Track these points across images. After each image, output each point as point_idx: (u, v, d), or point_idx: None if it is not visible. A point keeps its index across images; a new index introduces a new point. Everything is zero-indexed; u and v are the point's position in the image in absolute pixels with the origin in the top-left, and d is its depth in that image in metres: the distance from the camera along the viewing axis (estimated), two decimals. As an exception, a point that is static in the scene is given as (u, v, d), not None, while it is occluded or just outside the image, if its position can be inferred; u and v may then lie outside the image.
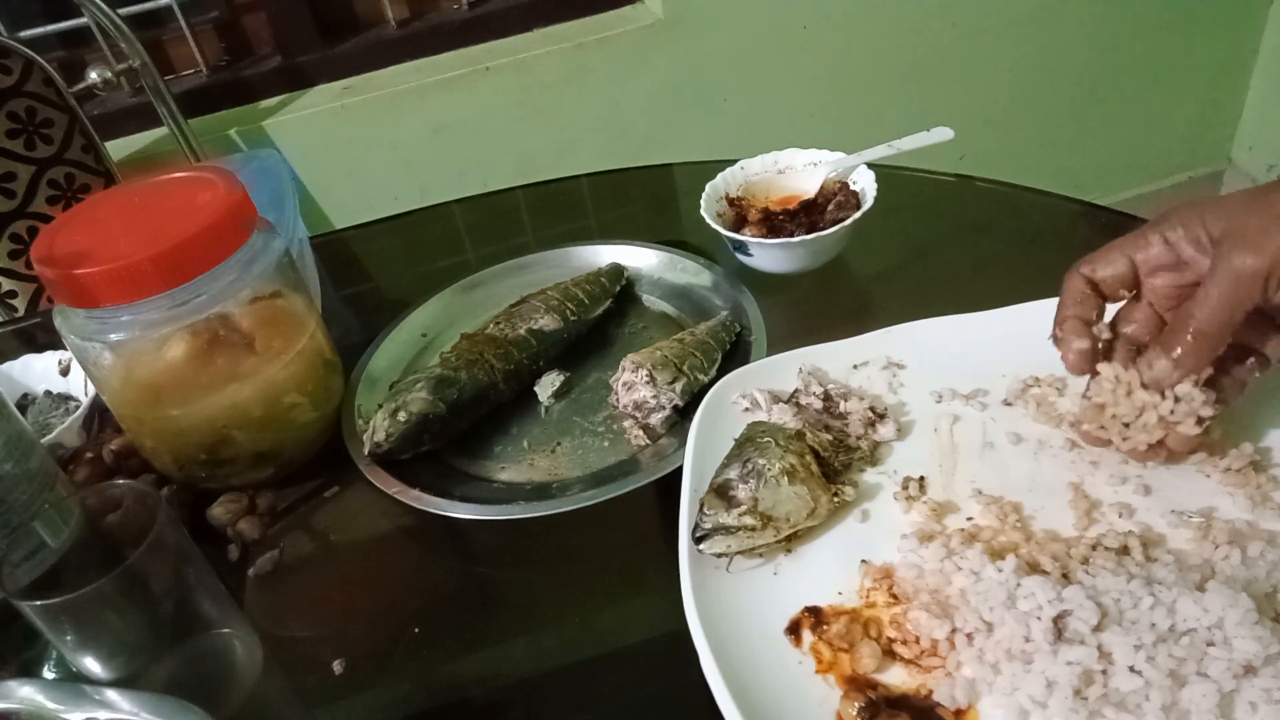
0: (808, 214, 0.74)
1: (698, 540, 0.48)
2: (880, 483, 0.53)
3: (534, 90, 1.55)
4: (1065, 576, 0.44)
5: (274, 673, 0.52)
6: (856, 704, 0.41)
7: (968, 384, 0.57)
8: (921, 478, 0.52)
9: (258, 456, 0.62)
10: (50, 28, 1.41)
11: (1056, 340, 0.51)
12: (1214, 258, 0.44)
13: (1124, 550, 0.45)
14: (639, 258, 0.78)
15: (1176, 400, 0.46)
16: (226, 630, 0.51)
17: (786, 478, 0.49)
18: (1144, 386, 0.47)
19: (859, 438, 0.55)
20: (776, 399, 0.58)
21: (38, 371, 0.74)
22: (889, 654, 0.43)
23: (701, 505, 0.49)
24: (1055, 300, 0.60)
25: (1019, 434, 0.54)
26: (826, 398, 0.57)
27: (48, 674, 0.53)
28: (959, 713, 0.40)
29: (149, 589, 0.46)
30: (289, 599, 0.58)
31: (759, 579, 0.48)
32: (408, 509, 0.58)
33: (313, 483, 0.64)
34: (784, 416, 0.55)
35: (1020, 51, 1.75)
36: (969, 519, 0.49)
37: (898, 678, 0.43)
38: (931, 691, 0.41)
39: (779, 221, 0.74)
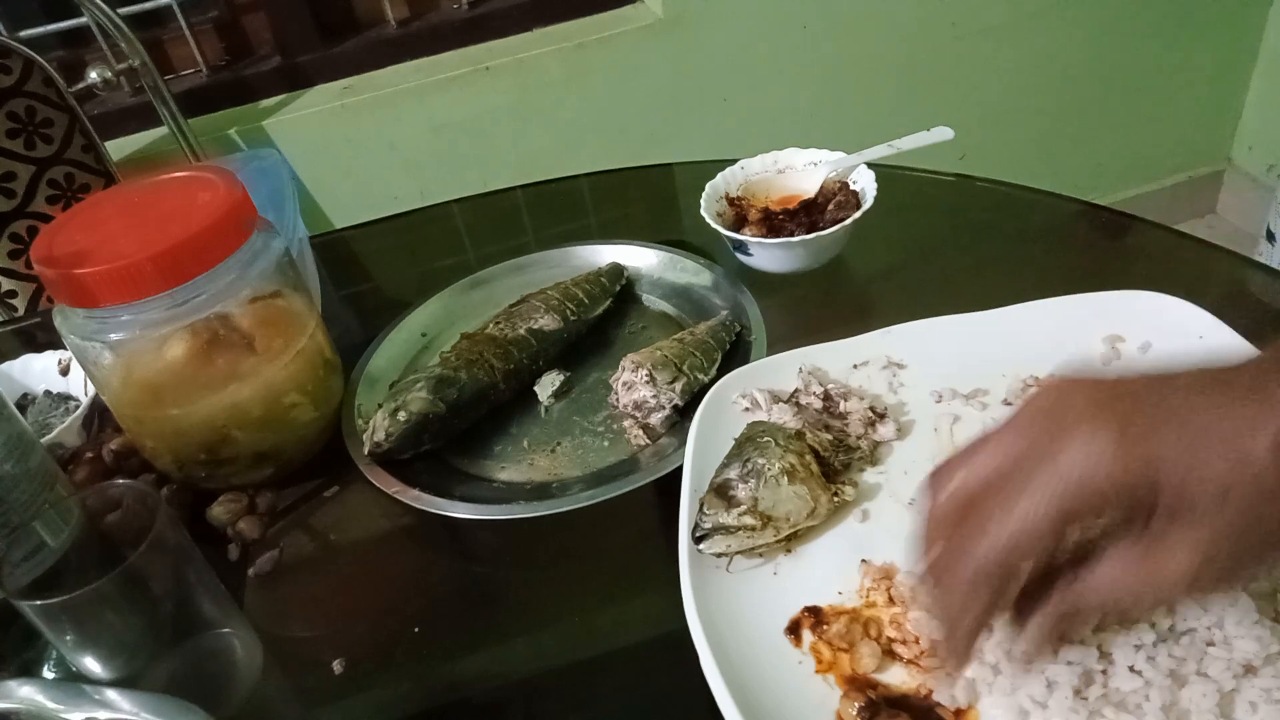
0: (808, 214, 0.74)
1: (698, 540, 0.48)
2: (880, 483, 0.53)
3: (534, 90, 1.55)
4: (1065, 576, 0.44)
5: (274, 673, 0.52)
6: (856, 704, 0.41)
7: (968, 384, 0.57)
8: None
9: (258, 456, 0.62)
10: (50, 28, 1.41)
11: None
12: None
13: (1124, 550, 0.45)
14: (639, 258, 0.78)
15: None
16: (226, 630, 0.51)
17: (786, 477, 0.49)
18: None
19: (859, 438, 0.55)
20: (776, 399, 0.58)
21: (38, 371, 0.74)
22: (889, 654, 0.43)
23: (701, 505, 0.49)
24: (1055, 300, 0.60)
25: (1019, 434, 0.54)
26: (826, 398, 0.57)
27: (48, 674, 0.53)
28: (959, 713, 0.40)
29: (149, 589, 0.46)
30: (289, 599, 0.58)
31: (759, 579, 0.48)
32: (408, 509, 0.58)
33: (313, 483, 0.64)
34: (784, 416, 0.55)
35: (1020, 51, 1.75)
36: (969, 519, 0.49)
37: (898, 678, 0.43)
38: (931, 691, 0.41)
39: (779, 221, 0.74)
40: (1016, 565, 0.31)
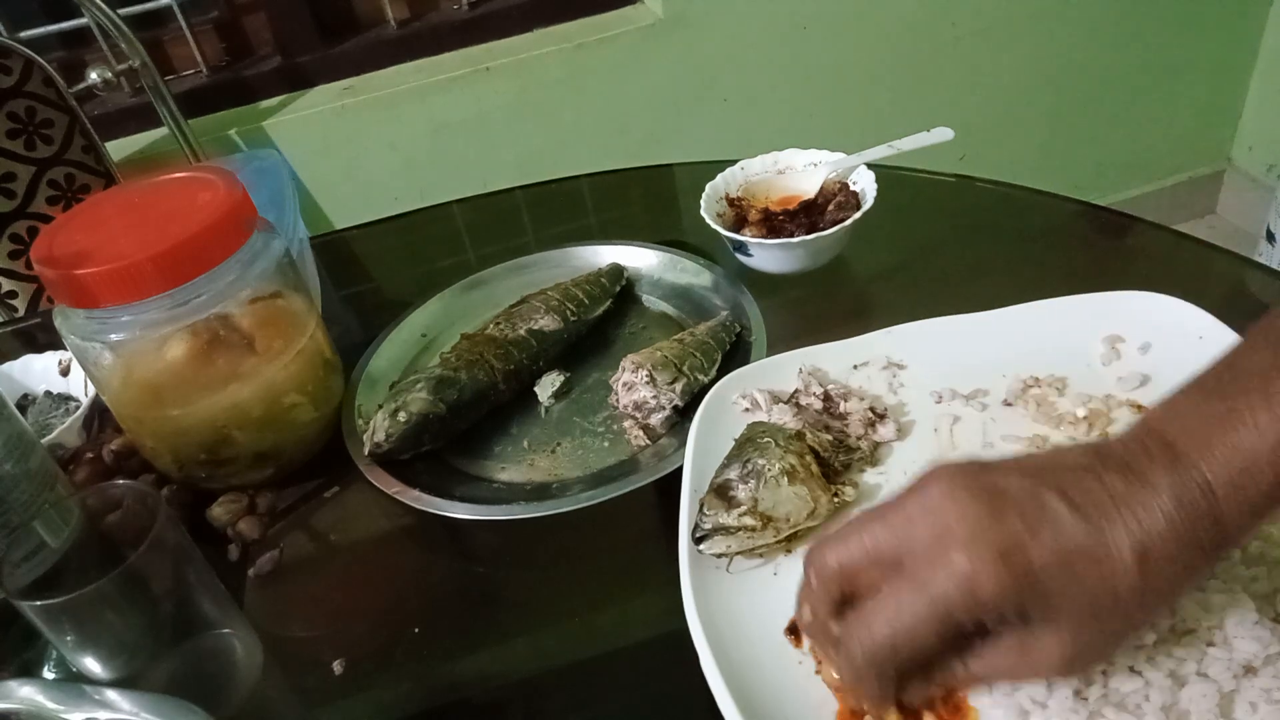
0: (808, 214, 0.74)
1: (698, 540, 0.48)
2: (880, 483, 0.53)
3: (534, 90, 1.55)
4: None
5: (274, 673, 0.52)
6: (856, 704, 0.41)
7: (968, 384, 0.57)
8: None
9: (258, 456, 0.62)
10: (50, 28, 1.41)
11: None
12: None
13: (1124, 550, 0.45)
14: (639, 258, 0.78)
15: None
16: (226, 630, 0.51)
17: (786, 478, 0.49)
18: None
19: (859, 438, 0.55)
20: (776, 399, 0.58)
21: (38, 371, 0.74)
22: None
23: (701, 505, 0.49)
24: (1055, 300, 0.60)
25: (1019, 434, 0.54)
26: (826, 398, 0.57)
27: (48, 674, 0.53)
28: (959, 712, 0.40)
29: (149, 589, 0.46)
30: (289, 599, 0.58)
31: (759, 579, 0.48)
32: (408, 509, 0.58)
33: (313, 483, 0.64)
34: (784, 416, 0.55)
35: (1020, 51, 1.75)
36: (969, 519, 0.49)
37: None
38: (931, 691, 0.41)
39: (779, 222, 0.74)
40: (902, 653, 0.35)
